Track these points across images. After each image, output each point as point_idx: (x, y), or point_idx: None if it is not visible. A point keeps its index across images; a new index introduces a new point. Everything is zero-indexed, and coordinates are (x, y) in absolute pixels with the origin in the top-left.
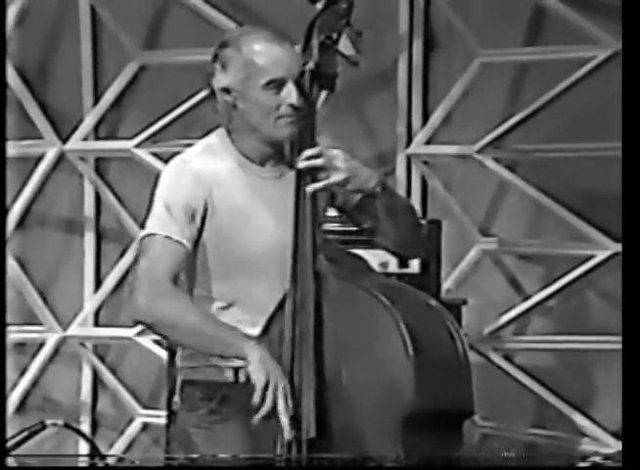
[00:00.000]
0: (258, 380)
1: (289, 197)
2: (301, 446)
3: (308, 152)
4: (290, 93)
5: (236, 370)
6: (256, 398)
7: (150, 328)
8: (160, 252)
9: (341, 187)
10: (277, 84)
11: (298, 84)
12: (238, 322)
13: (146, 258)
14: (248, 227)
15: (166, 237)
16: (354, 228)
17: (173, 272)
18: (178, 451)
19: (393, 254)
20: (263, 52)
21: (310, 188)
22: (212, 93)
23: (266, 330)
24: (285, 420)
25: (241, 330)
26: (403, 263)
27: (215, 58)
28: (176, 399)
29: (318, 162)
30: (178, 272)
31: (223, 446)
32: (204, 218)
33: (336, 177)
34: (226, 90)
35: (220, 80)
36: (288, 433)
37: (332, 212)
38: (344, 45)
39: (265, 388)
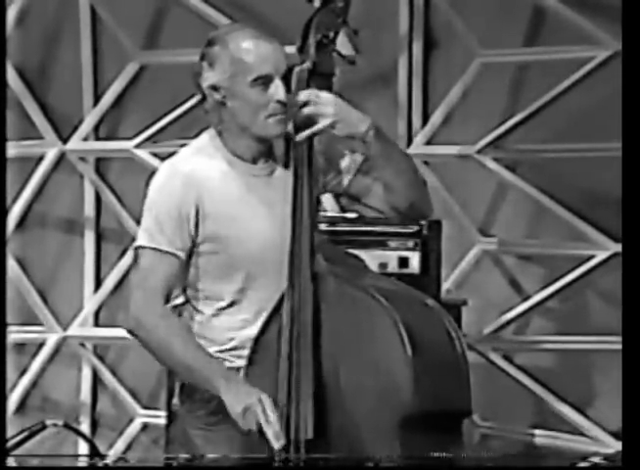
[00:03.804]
0: (235, 415)
1: (281, 193)
2: (299, 446)
3: (300, 97)
4: (277, 90)
5: (236, 371)
6: (242, 427)
7: (138, 341)
8: (151, 265)
9: (328, 132)
10: (264, 81)
11: (286, 81)
12: (238, 321)
13: (137, 272)
14: (242, 226)
15: (156, 249)
16: (350, 228)
17: (166, 286)
18: (178, 452)
19: (403, 215)
20: (250, 49)
21: (299, 137)
22: (202, 94)
23: (264, 330)
24: (269, 431)
25: (219, 363)
26: (403, 263)
27: (203, 56)
28: (175, 400)
29: (306, 110)
30: (171, 284)
31: (223, 446)
32: (196, 222)
33: (322, 122)
34: (214, 88)
35: (208, 78)
36: (276, 443)
37: (328, 213)
38: (342, 44)
39: (244, 415)
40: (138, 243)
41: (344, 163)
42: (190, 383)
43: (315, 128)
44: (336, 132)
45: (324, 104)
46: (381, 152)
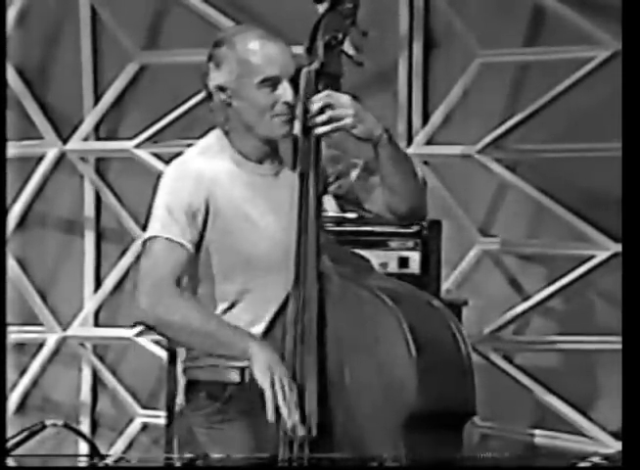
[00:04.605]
0: (264, 381)
1: (287, 193)
2: (304, 445)
3: (317, 98)
4: (284, 91)
5: (242, 370)
6: (269, 401)
7: (152, 329)
8: (162, 254)
9: (347, 131)
10: (271, 82)
11: (294, 82)
12: (243, 321)
13: (148, 261)
14: (249, 226)
15: (168, 239)
16: (350, 228)
17: (176, 274)
18: (182, 451)
19: (401, 219)
20: (257, 50)
21: (319, 131)
22: (209, 93)
23: (270, 329)
24: (295, 417)
25: (245, 330)
26: (403, 263)
27: (210, 57)
28: (180, 398)
29: (328, 113)
30: (181, 274)
31: (228, 445)
32: (205, 220)
33: (343, 122)
34: (221, 88)
35: (215, 79)
36: (300, 430)
37: (329, 213)
38: (350, 46)
39: (272, 387)
40: (149, 233)
41: (346, 166)
42: (219, 354)
43: (336, 125)
44: (355, 133)
45: (344, 105)
46: (390, 156)
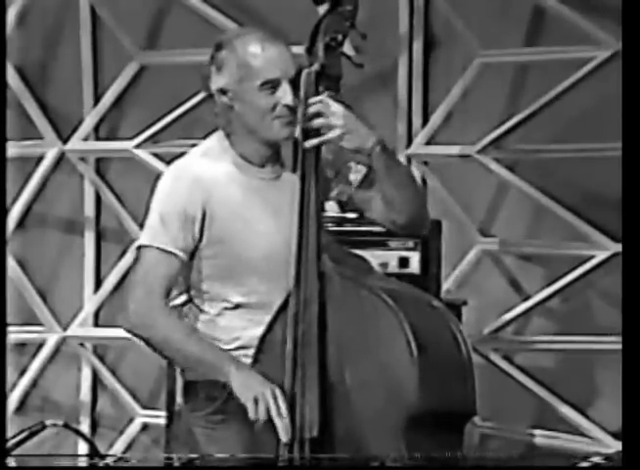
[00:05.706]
0: (246, 399)
1: (288, 197)
2: (304, 445)
3: (310, 103)
4: (285, 94)
5: None
6: (252, 414)
7: (139, 339)
8: (152, 264)
9: (336, 143)
10: (272, 85)
11: (294, 85)
12: (243, 322)
13: (139, 270)
14: (249, 229)
15: (159, 249)
16: (350, 228)
17: (166, 285)
18: (181, 451)
19: (401, 230)
20: (258, 53)
21: (307, 144)
22: (211, 96)
23: (270, 329)
24: (279, 424)
25: (223, 351)
26: (403, 263)
27: (211, 60)
28: (179, 399)
29: (317, 122)
30: (171, 284)
31: (228, 445)
32: (202, 224)
33: (331, 134)
34: (222, 91)
35: (216, 82)
36: (284, 435)
37: (329, 213)
38: (349, 47)
39: (255, 403)
40: (141, 242)
41: (350, 173)
42: (198, 374)
43: (324, 138)
44: (344, 144)
45: (334, 116)
46: (384, 167)
